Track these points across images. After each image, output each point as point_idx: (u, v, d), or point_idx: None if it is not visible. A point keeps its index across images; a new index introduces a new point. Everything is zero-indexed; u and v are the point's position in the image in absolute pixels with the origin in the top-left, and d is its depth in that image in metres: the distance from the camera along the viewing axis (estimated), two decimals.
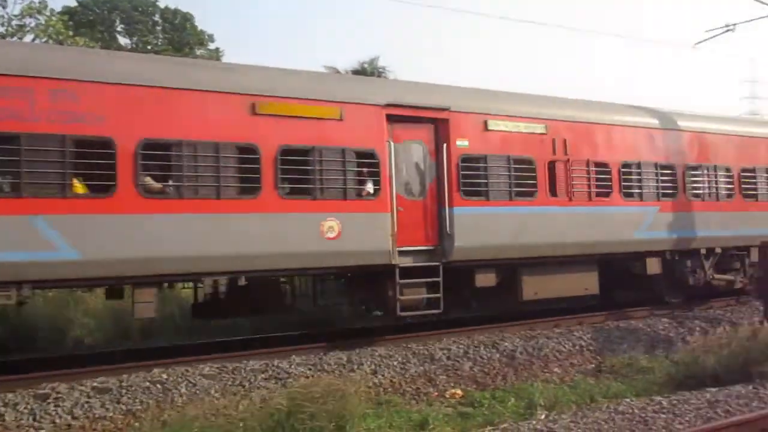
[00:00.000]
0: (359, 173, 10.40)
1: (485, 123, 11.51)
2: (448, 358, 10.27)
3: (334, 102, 10.22)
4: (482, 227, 11.17)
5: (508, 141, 11.75)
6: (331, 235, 9.95)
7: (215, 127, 9.23)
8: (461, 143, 11.24)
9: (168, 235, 8.80)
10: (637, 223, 12.95)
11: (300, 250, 9.72)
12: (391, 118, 10.69)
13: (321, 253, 9.89)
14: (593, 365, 10.50)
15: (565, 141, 12.27)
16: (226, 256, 9.18)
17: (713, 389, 8.28)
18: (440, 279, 10.75)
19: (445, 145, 11.04)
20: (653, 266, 13.28)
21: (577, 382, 9.47)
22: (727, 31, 16.42)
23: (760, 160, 15.12)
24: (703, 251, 13.97)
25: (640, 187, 13.15)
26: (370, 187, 10.44)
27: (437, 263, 10.81)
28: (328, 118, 10.11)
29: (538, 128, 12.06)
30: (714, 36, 16.44)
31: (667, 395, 8.10)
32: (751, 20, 15.68)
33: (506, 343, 11.00)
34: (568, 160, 12.24)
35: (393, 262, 10.39)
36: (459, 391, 9.20)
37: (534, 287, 11.90)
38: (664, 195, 13.41)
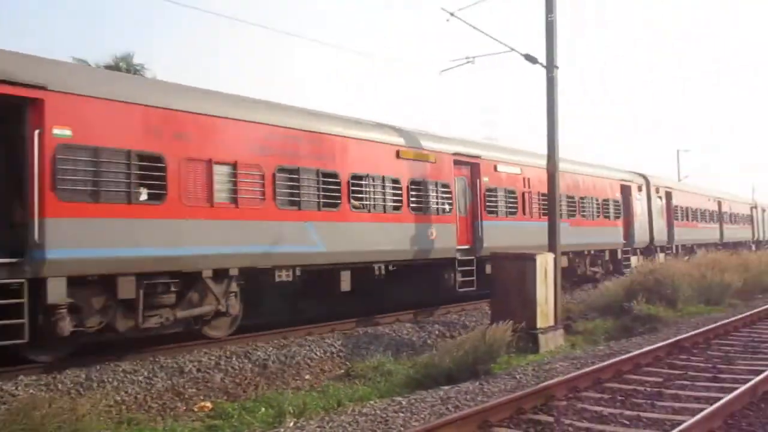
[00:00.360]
0: (443, 198, 15.80)
1: (495, 167, 17.82)
2: (198, 370, 9.97)
3: (432, 151, 15.78)
4: (498, 234, 17.11)
5: (507, 178, 18.22)
6: (432, 237, 15.33)
7: (381, 165, 14.23)
8: (485, 179, 17.24)
9: (365, 235, 13.56)
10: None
11: (421, 247, 15.02)
12: (454, 162, 16.26)
13: (430, 249, 15.29)
14: (343, 371, 10.91)
15: (530, 179, 19.12)
16: (386, 250, 14.08)
17: (447, 387, 9.06)
18: (474, 267, 16.26)
19: (477, 180, 17.02)
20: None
21: (327, 387, 9.76)
22: (468, 62, 18.24)
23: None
24: (586, 253, 22.11)
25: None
26: (447, 207, 15.93)
27: (472, 257, 16.39)
28: (429, 161, 15.63)
29: (516, 169, 18.73)
30: (457, 65, 18.16)
31: (407, 395, 8.68)
32: (488, 54, 17.61)
33: (259, 353, 10.99)
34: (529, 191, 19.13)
35: (455, 257, 15.95)
36: (208, 404, 8.98)
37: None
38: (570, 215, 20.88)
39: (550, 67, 14.19)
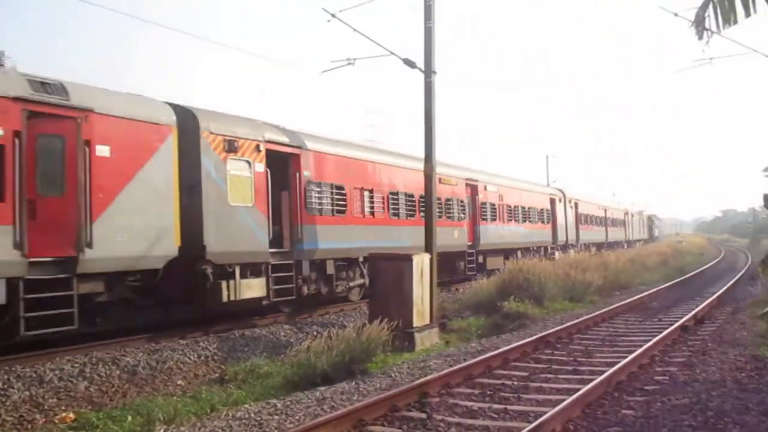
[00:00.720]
0: (460, 209, 22.81)
1: (485, 187, 25.46)
2: (60, 378, 9.38)
3: (455, 177, 22.89)
4: (488, 234, 25.11)
5: (491, 195, 26.03)
6: (456, 236, 22.22)
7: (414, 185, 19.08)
8: (480, 196, 24.88)
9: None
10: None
11: (450, 243, 21.40)
12: (467, 184, 23.92)
13: (455, 244, 22.15)
14: (217, 374, 10.65)
15: (503, 195, 27.32)
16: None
17: (323, 388, 9.07)
18: (475, 258, 23.97)
19: (476, 196, 24.63)
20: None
21: (200, 392, 9.48)
22: (349, 64, 18.35)
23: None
24: (533, 249, 29.32)
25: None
26: (462, 215, 23.09)
27: (473, 251, 23.99)
28: (452, 185, 22.54)
29: (495, 188, 26.85)
30: (338, 67, 18.22)
31: (282, 397, 8.60)
32: (368, 57, 17.81)
33: (128, 358, 10.50)
34: (502, 204, 27.18)
35: (466, 250, 23.36)
36: (71, 415, 8.47)
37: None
38: (524, 221, 29.27)
39: (428, 72, 14.56)
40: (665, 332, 12.15)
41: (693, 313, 14.94)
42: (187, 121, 12.45)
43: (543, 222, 31.57)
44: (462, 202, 23.00)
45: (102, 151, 10.73)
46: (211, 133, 12.77)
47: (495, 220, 25.95)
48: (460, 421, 7.20)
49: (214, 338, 12.35)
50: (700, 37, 8.00)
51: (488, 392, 8.45)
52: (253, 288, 13.36)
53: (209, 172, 12.63)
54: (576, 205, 37.71)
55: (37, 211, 9.91)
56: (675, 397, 7.88)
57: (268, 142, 14.01)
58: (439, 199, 18.76)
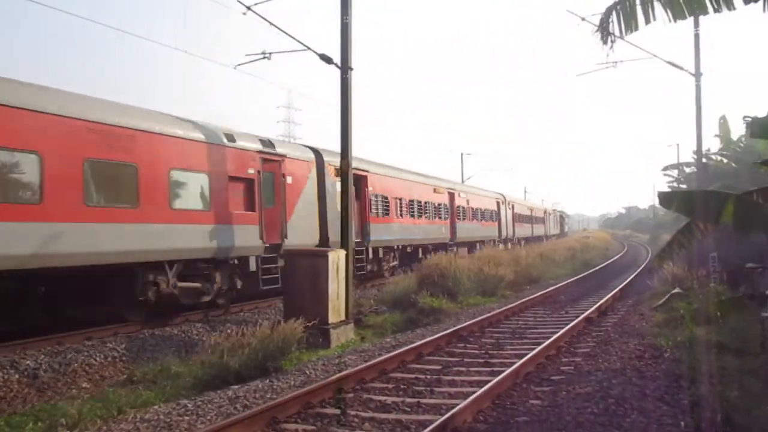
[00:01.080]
0: (445, 211, 30.18)
1: (459, 194, 32.80)
2: None
3: (444, 188, 30.33)
4: (462, 229, 32.08)
5: (465, 200, 33.40)
6: (443, 231, 29.44)
7: (428, 196, 27.75)
8: (456, 202, 31.80)
9: (426, 231, 27.45)
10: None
11: (439, 236, 28.96)
12: (448, 192, 31.19)
13: (442, 237, 29.22)
14: (125, 376, 10.27)
15: (470, 200, 34.78)
16: (429, 237, 27.53)
17: (236, 387, 8.94)
18: (455, 249, 29.33)
19: (453, 202, 31.26)
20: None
21: (107, 394, 9.11)
22: (264, 57, 18.07)
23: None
24: (486, 241, 35.68)
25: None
26: (445, 215, 29.94)
27: (453, 243, 30.30)
28: (441, 193, 29.68)
29: (465, 195, 34.49)
30: (253, 60, 17.92)
31: (193, 397, 8.42)
32: (284, 51, 17.61)
33: (28, 361, 10.00)
34: (471, 207, 34.70)
35: (447, 242, 29.71)
36: None
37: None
38: (476, 218, 35.78)
39: (345, 68, 14.54)
40: (571, 324, 12.67)
41: (597, 305, 15.65)
42: (318, 157, 18.93)
43: (492, 220, 39.52)
44: (447, 206, 30.33)
45: (289, 180, 17.35)
46: (329, 164, 18.91)
47: (464, 219, 33.09)
48: (374, 416, 7.27)
49: (122, 338, 11.93)
50: (605, 42, 8.35)
51: (402, 386, 8.57)
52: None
53: (329, 189, 18.98)
54: (513, 206, 45.90)
55: (265, 217, 16.02)
56: (579, 386, 8.25)
57: (355, 169, 16.49)
58: (437, 204, 28.98)
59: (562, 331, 11.92)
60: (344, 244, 14.25)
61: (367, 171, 21.55)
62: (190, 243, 13.77)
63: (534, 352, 9.92)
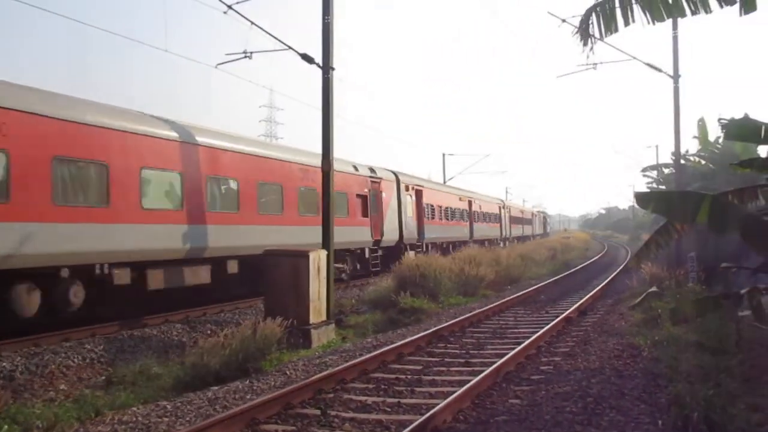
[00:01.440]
0: (467, 214, 39.90)
1: (475, 201, 41.99)
2: None
3: (466, 197, 39.58)
4: (479, 230, 42.34)
5: (479, 206, 43.44)
6: (464, 231, 38.60)
7: (455, 203, 36.91)
8: (474, 208, 41.41)
9: (454, 231, 36.50)
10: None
11: (463, 235, 37.91)
12: (469, 200, 40.61)
13: (463, 236, 37.69)
14: (104, 377, 10.18)
15: (482, 205, 44.64)
16: (456, 236, 36.34)
17: (216, 388, 8.89)
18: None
19: (471, 208, 40.60)
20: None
21: (85, 396, 9.02)
22: (246, 57, 18.00)
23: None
24: (455, 242, 36.18)
25: None
26: (467, 218, 39.36)
27: (470, 240, 38.33)
28: (465, 201, 39.18)
29: (484, 203, 45.72)
30: (234, 59, 17.84)
31: (173, 399, 8.37)
32: (265, 51, 17.54)
33: (4, 363, 9.87)
34: (482, 211, 44.64)
35: (468, 240, 37.72)
36: None
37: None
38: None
39: (326, 68, 14.53)
40: (551, 324, 12.76)
41: (577, 305, 15.77)
42: (396, 177, 27.08)
43: (495, 222, 47.99)
44: (467, 211, 39.04)
45: (384, 195, 25.04)
46: (402, 183, 27.54)
47: (478, 221, 41.78)
48: (355, 416, 7.26)
49: (100, 339, 11.81)
50: (585, 43, 8.43)
51: (382, 387, 8.58)
52: (411, 255, 24.13)
53: (403, 200, 27.16)
54: (509, 209, 55.10)
55: (372, 221, 23.53)
56: (558, 385, 8.30)
57: (415, 185, 29.31)
58: (461, 209, 37.78)
59: (542, 330, 12.00)
60: (325, 244, 14.24)
61: (422, 186, 30.68)
62: (340, 239, 18.04)
63: (514, 351, 9.98)
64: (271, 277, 13.27)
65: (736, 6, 7.23)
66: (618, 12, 8.00)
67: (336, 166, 16.03)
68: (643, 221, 62.54)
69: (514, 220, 57.02)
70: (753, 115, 8.05)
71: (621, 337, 11.64)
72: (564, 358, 10.11)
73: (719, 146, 22.53)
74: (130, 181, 13.05)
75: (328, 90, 14.53)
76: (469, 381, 8.20)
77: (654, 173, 32.23)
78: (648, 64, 20.61)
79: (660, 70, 20.81)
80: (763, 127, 7.76)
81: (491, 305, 16.35)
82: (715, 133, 23.47)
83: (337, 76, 14.85)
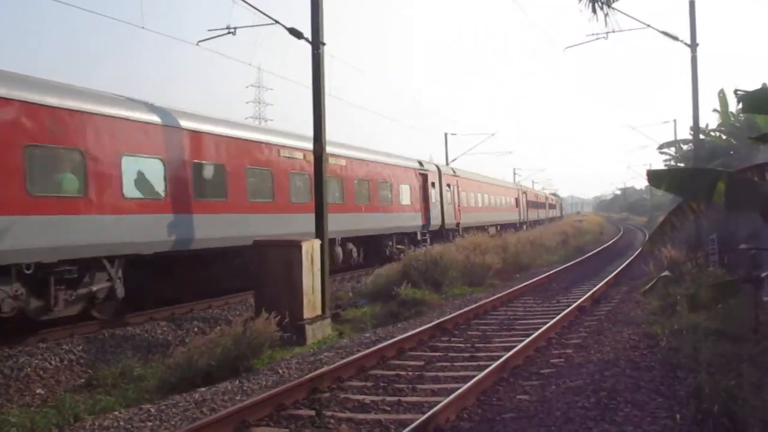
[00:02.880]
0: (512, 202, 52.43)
1: (524, 192, 61.33)
2: None
3: (504, 187, 52.27)
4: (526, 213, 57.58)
5: (522, 194, 58.43)
6: (512, 215, 51.41)
7: (495, 192, 46.87)
8: (526, 196, 60.86)
9: (489, 215, 43.54)
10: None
11: (508, 218, 50.34)
12: (519, 191, 57.26)
13: (511, 219, 50.66)
14: (83, 380, 10.20)
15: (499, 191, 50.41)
16: (496, 219, 44.89)
17: (203, 389, 8.91)
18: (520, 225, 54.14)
19: (521, 197, 58.29)
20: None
21: (63, 400, 9.03)
22: (229, 33, 17.90)
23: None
24: (506, 224, 47.33)
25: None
26: (516, 204, 53.39)
27: (520, 222, 54.43)
28: (507, 189, 52.93)
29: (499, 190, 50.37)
30: (217, 36, 17.73)
31: (157, 401, 8.38)
32: (251, 26, 17.44)
33: None
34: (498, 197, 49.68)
35: (516, 221, 52.39)
36: None
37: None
38: (494, 205, 46.06)
39: (316, 43, 14.43)
40: (562, 314, 12.77)
41: (590, 293, 15.79)
42: (438, 169, 32.31)
43: (515, 207, 53.53)
44: (494, 197, 44.51)
45: (430, 185, 30.20)
46: (444, 174, 32.70)
47: (503, 207, 47.95)
48: (352, 416, 7.28)
49: (79, 340, 11.82)
50: (594, 11, 8.39)
51: (382, 384, 8.59)
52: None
53: (444, 190, 32.11)
54: (526, 195, 61.37)
55: (421, 209, 29.11)
56: (570, 379, 8.32)
57: (454, 175, 34.78)
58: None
59: (552, 321, 12.02)
60: (319, 233, 14.22)
61: (458, 176, 35.68)
62: (406, 223, 27.42)
63: (522, 344, 9.99)
64: (261, 270, 13.26)
65: None
66: None
67: (401, 162, 27.80)
68: (661, 201, 62.47)
69: (531, 205, 63.34)
70: None
71: (637, 326, 11.65)
72: (576, 350, 10.13)
73: (742, 119, 22.43)
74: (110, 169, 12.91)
75: (319, 67, 14.44)
76: (474, 377, 8.21)
77: (672, 150, 32.14)
78: (663, 32, 20.54)
79: (677, 39, 20.74)
80: None
81: (498, 295, 16.36)
82: (735, 106, 23.39)
83: (329, 52, 14.79)
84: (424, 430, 6.47)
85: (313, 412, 7.45)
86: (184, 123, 14.98)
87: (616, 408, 7.03)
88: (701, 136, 23.19)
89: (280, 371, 9.71)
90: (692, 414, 6.58)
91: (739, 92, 8.65)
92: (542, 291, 18.11)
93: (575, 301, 14.56)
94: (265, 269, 13.14)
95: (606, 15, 8.34)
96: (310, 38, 14.52)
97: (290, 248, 13.01)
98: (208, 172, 15.62)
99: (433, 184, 30.87)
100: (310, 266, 13.10)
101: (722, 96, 23.31)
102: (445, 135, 49.74)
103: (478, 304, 14.78)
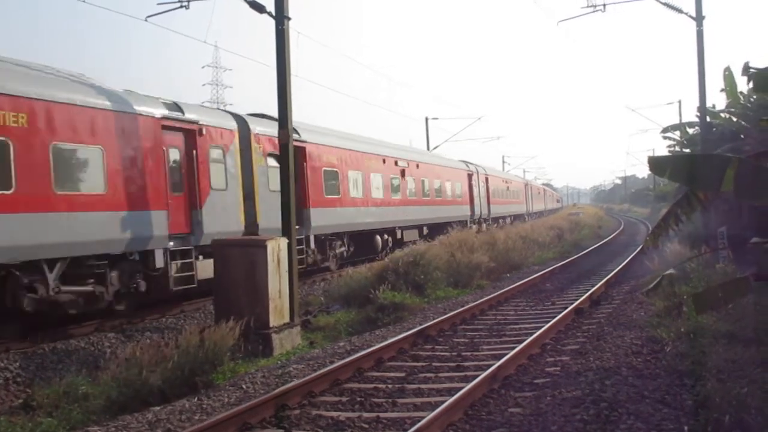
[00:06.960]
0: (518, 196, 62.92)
1: (528, 184, 72.94)
2: None
3: (517, 181, 64.81)
4: (495, 209, 50.00)
5: (501, 183, 57.72)
6: (517, 208, 60.33)
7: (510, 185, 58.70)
8: (532, 189, 75.52)
9: (506, 207, 55.46)
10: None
11: (515, 210, 60.11)
12: (525, 184, 69.64)
13: (518, 212, 59.44)
14: (21, 401, 10.09)
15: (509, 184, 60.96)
16: (512, 210, 57.13)
17: (158, 408, 8.87)
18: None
19: (527, 188, 70.38)
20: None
21: None
22: (182, 6, 17.79)
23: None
24: (515, 215, 57.63)
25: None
26: (521, 197, 64.62)
27: (527, 213, 65.18)
28: (516, 183, 63.37)
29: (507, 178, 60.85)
30: (168, 10, 17.60)
31: (105, 423, 8.34)
32: None
33: None
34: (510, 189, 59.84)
35: (524, 213, 62.50)
36: None
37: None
38: (508, 198, 56.56)
39: (280, 17, 14.36)
40: (558, 317, 12.90)
41: (588, 294, 15.95)
42: (476, 169, 43.57)
43: (521, 198, 61.70)
44: (514, 191, 55.03)
45: (474, 182, 42.33)
46: (479, 173, 43.98)
47: (518, 199, 58.52)
48: None
49: (16, 355, 11.70)
50: None
51: (358, 399, 8.62)
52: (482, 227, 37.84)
53: (476, 186, 42.48)
54: (531, 188, 70.97)
55: (470, 202, 41.33)
56: (566, 389, 8.41)
57: (485, 173, 45.35)
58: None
59: (547, 325, 12.13)
60: (285, 231, 14.16)
61: (488, 174, 45.92)
62: (461, 213, 37.75)
63: (514, 351, 10.07)
64: (221, 272, 13.21)
65: None
66: None
67: (455, 164, 39.35)
68: (666, 191, 63.21)
69: (535, 197, 74.88)
70: None
71: (640, 329, 11.80)
72: (573, 358, 10.23)
73: (753, 99, 22.72)
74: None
75: (284, 44, 14.37)
76: (461, 388, 8.27)
77: (677, 134, 32.46)
78: (665, 4, 20.74)
79: (681, 11, 20.96)
80: None
81: (487, 297, 16.47)
82: (745, 84, 23.68)
83: (295, 27, 14.74)
84: None
85: None
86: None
87: (618, 420, 7.13)
88: (708, 119, 23.44)
89: (244, 386, 9.69)
90: (701, 425, 6.68)
91: (751, 70, 8.74)
92: (536, 292, 18.26)
93: (572, 303, 14.70)
94: (225, 271, 13.09)
95: None
96: (273, 12, 14.46)
97: (254, 248, 12.95)
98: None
99: (475, 181, 41.69)
100: (277, 268, 13.06)
101: (729, 74, 23.59)
102: (426, 119, 49.84)
103: (464, 308, 14.87)
